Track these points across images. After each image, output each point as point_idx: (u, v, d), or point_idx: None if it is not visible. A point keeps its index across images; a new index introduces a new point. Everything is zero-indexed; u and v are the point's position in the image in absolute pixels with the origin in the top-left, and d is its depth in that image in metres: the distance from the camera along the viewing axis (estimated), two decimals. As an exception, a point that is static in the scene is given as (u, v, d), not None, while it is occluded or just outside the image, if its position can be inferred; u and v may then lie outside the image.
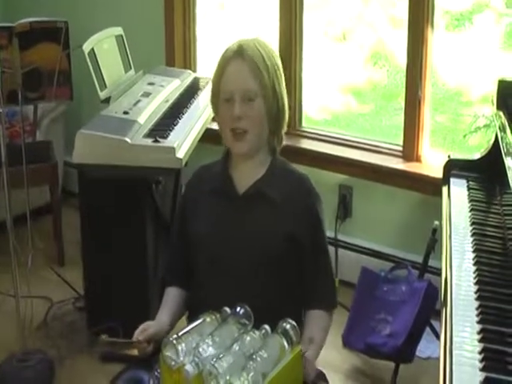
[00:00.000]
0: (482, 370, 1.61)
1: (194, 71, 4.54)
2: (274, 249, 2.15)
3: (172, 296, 2.32)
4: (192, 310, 2.28)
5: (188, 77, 4.22)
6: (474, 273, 2.06)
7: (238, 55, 2.14)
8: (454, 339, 1.73)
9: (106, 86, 3.55)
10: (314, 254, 2.23)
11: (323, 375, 2.32)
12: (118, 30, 3.95)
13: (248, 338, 1.89)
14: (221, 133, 2.23)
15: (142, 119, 3.30)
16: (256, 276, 2.16)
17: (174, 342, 1.84)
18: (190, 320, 2.21)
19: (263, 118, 2.16)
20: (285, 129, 2.26)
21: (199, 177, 2.35)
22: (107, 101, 3.48)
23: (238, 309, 1.98)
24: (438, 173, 2.95)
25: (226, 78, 2.16)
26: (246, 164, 2.23)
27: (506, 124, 2.52)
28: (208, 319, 1.97)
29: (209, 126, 3.82)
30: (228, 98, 2.14)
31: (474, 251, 2.19)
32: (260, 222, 2.18)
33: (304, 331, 2.16)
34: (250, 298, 2.04)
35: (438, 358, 1.70)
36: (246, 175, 2.22)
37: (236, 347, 1.84)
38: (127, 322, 3.38)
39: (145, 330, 2.13)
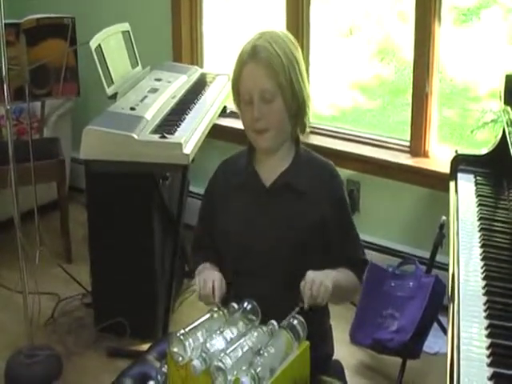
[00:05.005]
0: (490, 365, 1.61)
1: (201, 67, 4.54)
2: (301, 237, 2.16)
3: (209, 264, 2.30)
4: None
5: (195, 72, 4.21)
6: (482, 268, 2.05)
7: (252, 57, 2.13)
8: (462, 334, 1.72)
9: (112, 82, 3.55)
10: (341, 235, 2.25)
11: (341, 367, 2.32)
12: (125, 26, 3.95)
13: (255, 334, 1.89)
14: (244, 130, 2.24)
15: (148, 115, 3.30)
16: (284, 264, 2.16)
17: (181, 337, 1.85)
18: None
19: (283, 117, 2.17)
20: (308, 116, 2.26)
21: (224, 171, 2.35)
22: (114, 97, 3.47)
23: (246, 304, 1.98)
24: (445, 168, 2.94)
25: (242, 80, 2.16)
26: (271, 158, 2.24)
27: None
28: (215, 315, 1.98)
29: (216, 122, 3.83)
30: (247, 100, 2.15)
31: (481, 246, 2.18)
32: (287, 213, 2.19)
33: None
34: (279, 286, 2.09)
35: (445, 354, 1.69)
36: (271, 169, 2.23)
37: (243, 343, 1.84)
38: (134, 318, 3.44)
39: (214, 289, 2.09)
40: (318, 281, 2.01)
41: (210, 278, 2.12)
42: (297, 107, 2.18)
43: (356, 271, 2.27)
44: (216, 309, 2.00)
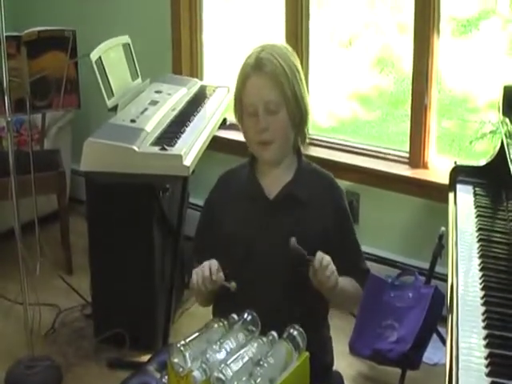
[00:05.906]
0: (489, 375, 1.61)
1: (201, 79, 4.56)
2: (303, 248, 2.15)
3: None
4: (218, 305, 2.31)
5: (195, 85, 4.23)
6: (481, 278, 2.05)
7: (256, 70, 2.14)
8: (461, 345, 1.73)
9: (113, 95, 3.56)
10: (343, 245, 2.26)
11: (340, 378, 2.33)
12: (125, 39, 3.96)
13: (255, 344, 1.89)
14: (247, 143, 2.25)
15: (149, 127, 3.31)
16: (285, 274, 2.17)
17: (182, 348, 1.85)
18: (216, 313, 2.27)
19: (287, 128, 2.19)
20: (308, 126, 2.28)
21: (225, 181, 2.36)
22: (114, 109, 3.48)
23: (246, 315, 1.99)
24: (444, 179, 2.95)
25: (246, 92, 2.17)
26: (274, 170, 2.25)
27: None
28: (215, 325, 1.98)
29: (216, 134, 3.84)
30: (251, 113, 2.16)
31: (480, 257, 2.19)
32: (292, 224, 2.19)
33: None
34: (279, 296, 2.12)
35: (444, 365, 1.70)
36: (275, 180, 2.24)
37: (243, 353, 1.85)
38: (135, 329, 3.44)
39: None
40: (327, 260, 2.05)
41: (205, 264, 2.13)
42: (300, 118, 2.20)
43: (358, 280, 2.28)
44: (217, 319, 2.00)
